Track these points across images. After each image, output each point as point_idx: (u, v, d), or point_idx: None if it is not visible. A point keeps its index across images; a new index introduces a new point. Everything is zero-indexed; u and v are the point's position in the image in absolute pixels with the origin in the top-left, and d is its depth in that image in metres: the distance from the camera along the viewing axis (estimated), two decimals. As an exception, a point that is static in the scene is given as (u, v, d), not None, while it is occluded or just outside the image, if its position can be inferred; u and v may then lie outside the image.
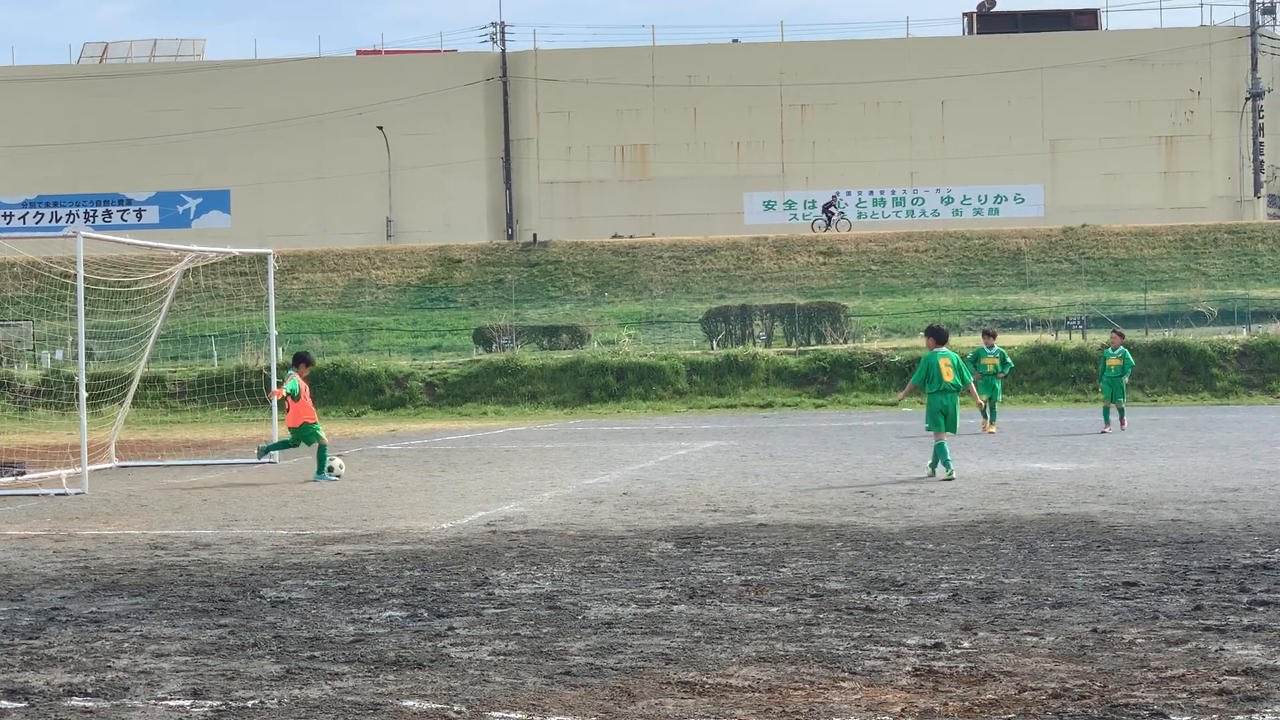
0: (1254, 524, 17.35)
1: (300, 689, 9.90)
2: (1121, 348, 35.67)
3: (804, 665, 10.39)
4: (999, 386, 36.38)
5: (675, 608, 12.74)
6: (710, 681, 9.93)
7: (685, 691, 9.68)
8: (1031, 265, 77.98)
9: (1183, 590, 13.06)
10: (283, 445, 27.98)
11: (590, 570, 14.90)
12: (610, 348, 58.52)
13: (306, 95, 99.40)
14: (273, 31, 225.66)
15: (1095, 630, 11.40)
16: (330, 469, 26.47)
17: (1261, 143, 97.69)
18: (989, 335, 37.56)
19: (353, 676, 10.27)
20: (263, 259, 33.87)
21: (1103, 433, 33.58)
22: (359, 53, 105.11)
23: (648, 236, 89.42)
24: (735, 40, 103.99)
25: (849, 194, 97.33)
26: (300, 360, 28.33)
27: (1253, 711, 8.93)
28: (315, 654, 11.05)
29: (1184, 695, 9.34)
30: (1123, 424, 34.87)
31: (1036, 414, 43.46)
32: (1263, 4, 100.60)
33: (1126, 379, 35.12)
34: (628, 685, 9.86)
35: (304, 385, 27.47)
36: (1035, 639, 11.15)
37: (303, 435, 27.23)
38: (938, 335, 24.87)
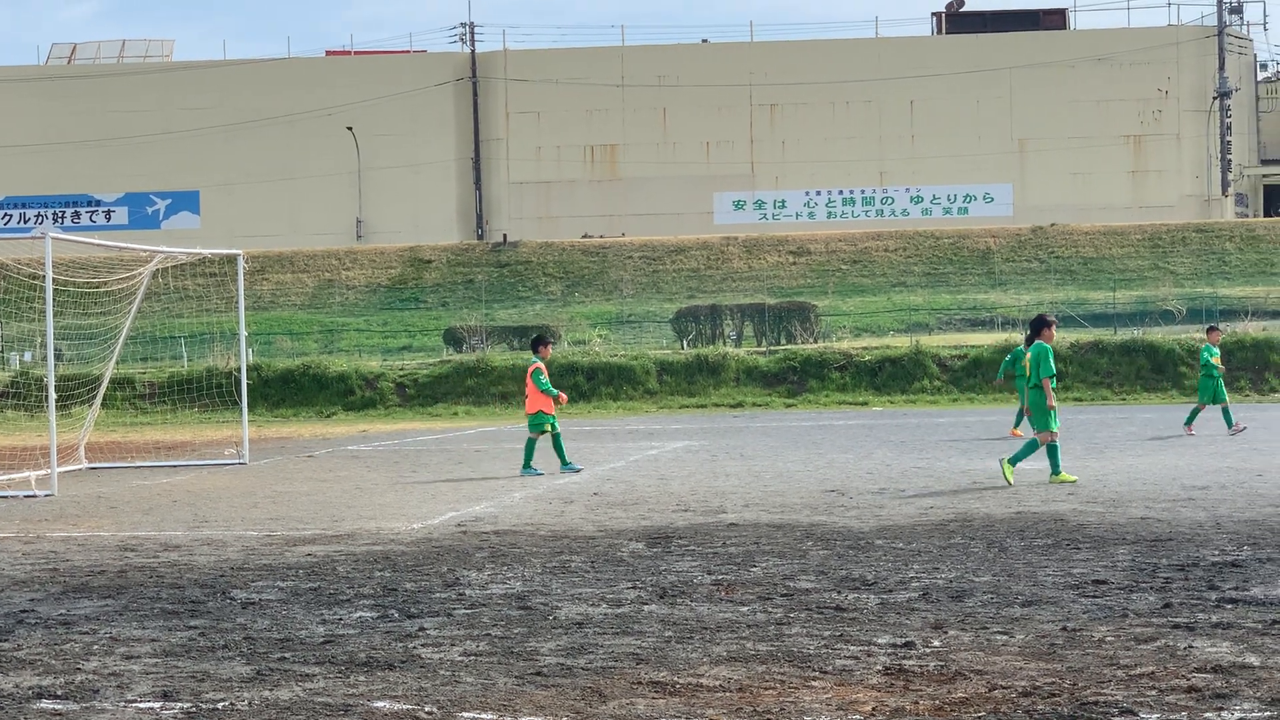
0: (1222, 522, 17.41)
1: (271, 690, 9.89)
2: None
3: (775, 665, 10.40)
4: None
5: (646, 608, 12.75)
6: (681, 681, 9.94)
7: (656, 691, 9.68)
8: (1001, 264, 78.15)
9: (1152, 588, 13.10)
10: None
11: (561, 570, 14.90)
12: (581, 348, 58.53)
13: (276, 96, 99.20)
14: (241, 32, 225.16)
15: (1065, 628, 11.43)
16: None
17: (1229, 142, 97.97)
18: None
19: (323, 678, 10.26)
20: (232, 260, 33.81)
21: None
22: (328, 53, 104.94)
23: (618, 236, 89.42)
24: (705, 40, 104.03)
25: (819, 194, 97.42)
26: (540, 343, 28.06)
27: (1221, 709, 8.96)
28: (286, 655, 11.04)
29: (1153, 693, 9.37)
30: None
31: (1004, 412, 43.56)
32: (1230, 3, 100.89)
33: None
34: (599, 685, 9.87)
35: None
36: (1005, 637, 11.18)
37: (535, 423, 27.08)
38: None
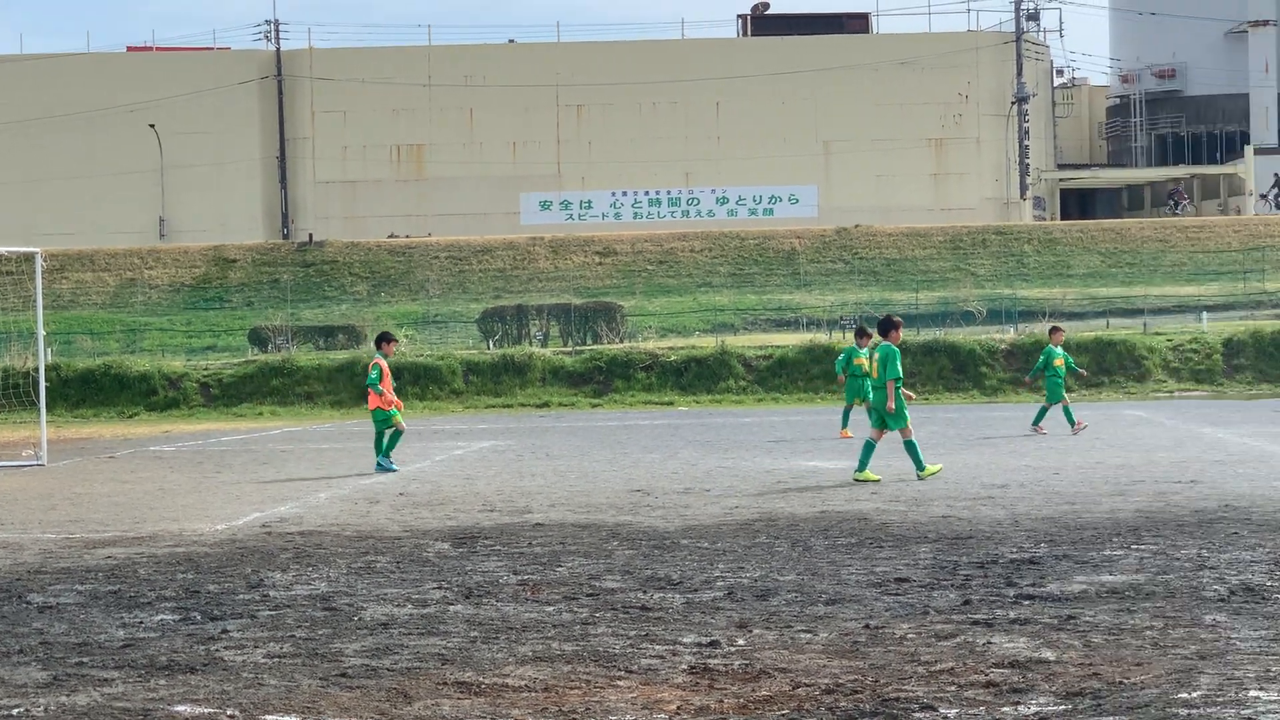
0: (1021, 520, 17.70)
1: (68, 696, 9.73)
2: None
3: (580, 664, 10.42)
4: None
5: (452, 608, 12.71)
6: (486, 681, 9.92)
7: (461, 692, 9.66)
8: (806, 265, 78.85)
9: (952, 585, 13.29)
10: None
11: (366, 571, 14.82)
12: (387, 348, 58.08)
13: (75, 92, 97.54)
14: (39, 27, 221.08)
15: (867, 626, 11.56)
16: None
17: (1027, 146, 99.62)
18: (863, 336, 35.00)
19: (123, 682, 10.11)
20: (30, 258, 33.22)
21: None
22: (130, 49, 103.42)
23: (424, 237, 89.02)
24: (511, 40, 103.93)
25: (625, 194, 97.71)
26: (383, 340, 27.92)
27: (1018, 703, 9.11)
28: (84, 660, 10.86)
29: (953, 688, 9.50)
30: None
31: (811, 412, 43.95)
32: (1027, 11, 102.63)
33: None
34: (404, 686, 9.82)
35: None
36: (809, 635, 11.28)
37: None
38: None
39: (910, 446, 23.20)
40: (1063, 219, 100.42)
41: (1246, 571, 13.67)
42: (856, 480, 22.71)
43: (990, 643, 10.82)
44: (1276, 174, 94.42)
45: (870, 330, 35.11)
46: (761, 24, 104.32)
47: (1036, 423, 33.03)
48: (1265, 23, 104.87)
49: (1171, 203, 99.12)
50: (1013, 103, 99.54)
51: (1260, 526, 16.59)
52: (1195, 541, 15.58)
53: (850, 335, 57.77)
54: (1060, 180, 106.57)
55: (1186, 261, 77.73)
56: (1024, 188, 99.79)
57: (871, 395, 24.00)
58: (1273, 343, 50.89)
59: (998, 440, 30.95)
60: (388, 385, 27.01)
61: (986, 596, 12.70)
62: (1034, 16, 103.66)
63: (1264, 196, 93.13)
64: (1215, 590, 12.77)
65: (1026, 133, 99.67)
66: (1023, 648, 10.63)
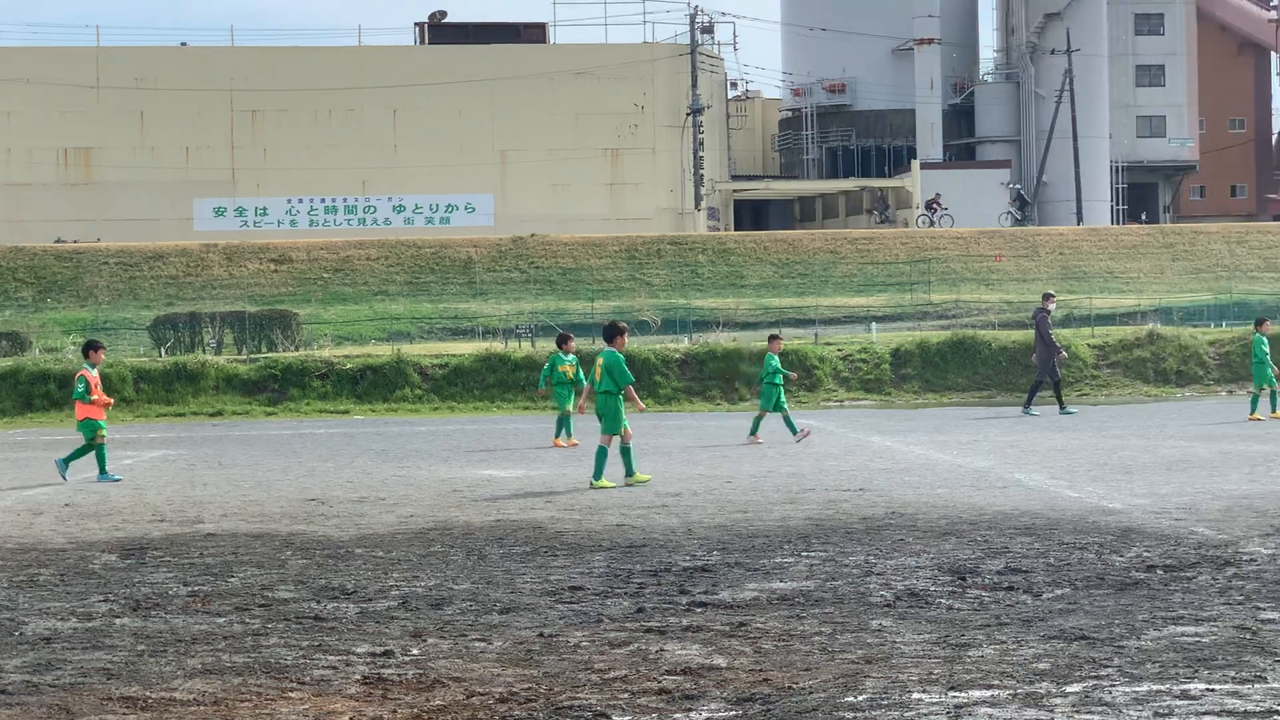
0: (694, 528, 17.88)
1: None
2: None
3: (251, 676, 10.26)
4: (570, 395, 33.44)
5: (118, 621, 12.42)
6: (153, 696, 9.71)
7: (127, 707, 9.44)
8: (482, 274, 78.84)
9: (626, 593, 13.37)
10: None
11: (29, 584, 14.41)
12: (53, 355, 56.74)
13: None
14: None
15: (542, 634, 11.58)
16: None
17: (701, 157, 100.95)
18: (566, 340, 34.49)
19: None
20: None
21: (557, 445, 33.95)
22: None
23: (93, 242, 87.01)
24: (184, 44, 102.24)
25: (301, 201, 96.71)
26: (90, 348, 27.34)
27: (690, 709, 9.19)
28: None
29: (626, 695, 9.55)
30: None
31: (487, 421, 43.96)
32: (702, 24, 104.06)
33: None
34: (67, 703, 9.57)
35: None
36: (484, 644, 11.26)
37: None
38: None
39: (602, 454, 23.50)
40: (736, 230, 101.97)
41: (912, 577, 13.98)
42: (629, 484, 23.13)
43: (663, 650, 10.91)
44: (927, 200, 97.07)
45: (572, 336, 35.29)
46: (439, 33, 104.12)
47: (753, 433, 32.92)
48: (930, 41, 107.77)
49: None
50: (688, 114, 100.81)
51: (925, 533, 16.99)
52: (863, 548, 15.90)
53: (535, 344, 58.00)
54: (734, 191, 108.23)
55: (856, 273, 79.45)
56: (699, 198, 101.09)
57: (599, 401, 24.06)
58: (938, 353, 52.27)
59: (672, 449, 31.24)
60: (99, 393, 26.57)
61: (660, 604, 12.80)
62: (709, 30, 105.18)
63: (926, 212, 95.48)
64: (882, 596, 13.04)
65: (701, 144, 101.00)
66: (695, 654, 10.74)
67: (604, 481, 23.19)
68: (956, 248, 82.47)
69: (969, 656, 10.50)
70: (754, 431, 32.85)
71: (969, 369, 51.91)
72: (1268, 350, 37.72)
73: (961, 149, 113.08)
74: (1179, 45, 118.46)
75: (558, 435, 32.87)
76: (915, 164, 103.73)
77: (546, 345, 55.63)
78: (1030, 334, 47.22)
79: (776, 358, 33.57)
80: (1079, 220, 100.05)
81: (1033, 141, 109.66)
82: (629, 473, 23.57)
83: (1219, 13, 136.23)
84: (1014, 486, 21.89)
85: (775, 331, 40.23)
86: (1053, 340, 40.87)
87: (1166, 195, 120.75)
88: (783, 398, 33.25)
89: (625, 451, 23.69)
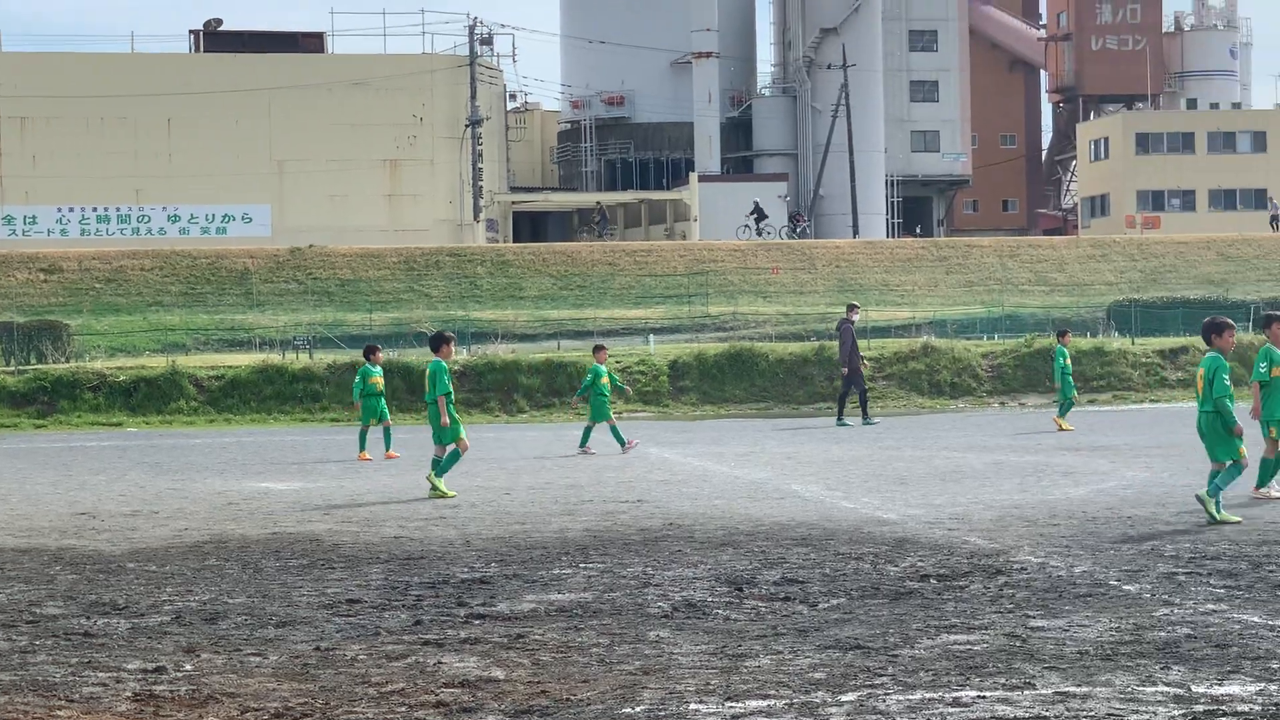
0: (472, 539, 17.83)
1: None
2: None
3: (18, 695, 10.04)
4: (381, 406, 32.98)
5: (-121, 640, 12.10)
6: (-84, 717, 9.47)
7: (-112, 729, 9.20)
8: (259, 285, 78.00)
9: (404, 606, 13.30)
10: None
11: None
12: None
13: None
14: None
15: (318, 648, 11.47)
16: None
17: (480, 169, 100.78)
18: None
19: None
20: None
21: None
22: None
23: None
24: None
25: (72, 210, 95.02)
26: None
27: (469, 722, 9.16)
28: None
29: (403, 709, 9.50)
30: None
31: (264, 433, 43.48)
32: (481, 35, 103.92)
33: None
34: None
35: None
36: (259, 659, 11.12)
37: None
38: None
39: (440, 463, 23.56)
40: (515, 241, 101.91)
41: (689, 588, 14.05)
42: (432, 495, 23.07)
43: (441, 662, 10.86)
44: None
45: (379, 347, 35.10)
46: (215, 41, 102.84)
47: (583, 444, 32.88)
48: (708, 55, 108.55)
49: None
50: (466, 125, 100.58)
51: (703, 544, 17.09)
52: (641, 559, 15.95)
53: (313, 356, 57.41)
54: (513, 203, 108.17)
55: (634, 285, 79.80)
56: (478, 210, 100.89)
57: (430, 411, 24.16)
58: (715, 365, 52.60)
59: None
60: None
61: (437, 617, 12.75)
62: (487, 41, 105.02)
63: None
64: (659, 607, 13.10)
65: (480, 155, 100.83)
66: (473, 667, 10.70)
67: (442, 487, 23.24)
68: (734, 260, 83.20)
69: (746, 667, 10.58)
70: (584, 442, 32.88)
71: (746, 381, 52.31)
72: (1067, 362, 38.57)
73: (739, 162, 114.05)
74: (952, 62, 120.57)
75: (362, 449, 32.37)
76: (693, 177, 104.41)
77: (324, 357, 55.21)
78: (816, 344, 47.70)
79: (604, 368, 33.73)
80: (855, 233, 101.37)
81: (809, 155, 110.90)
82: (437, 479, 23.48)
83: (990, 31, 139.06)
84: (790, 498, 22.11)
85: (600, 343, 40.83)
86: (856, 350, 41.42)
87: (940, 209, 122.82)
88: (607, 408, 33.33)
89: (435, 462, 23.67)
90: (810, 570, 14.94)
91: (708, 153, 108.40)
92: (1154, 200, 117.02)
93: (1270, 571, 14.26)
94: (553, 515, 20.31)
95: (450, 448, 23.81)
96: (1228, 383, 18.35)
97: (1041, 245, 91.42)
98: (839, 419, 41.06)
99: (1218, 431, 18.39)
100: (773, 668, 10.53)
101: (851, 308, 42.81)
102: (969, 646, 11.13)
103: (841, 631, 11.81)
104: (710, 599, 13.44)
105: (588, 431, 33.24)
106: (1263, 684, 9.76)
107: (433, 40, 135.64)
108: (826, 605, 13.02)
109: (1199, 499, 18.21)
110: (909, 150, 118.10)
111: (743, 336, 62.74)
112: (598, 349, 35.42)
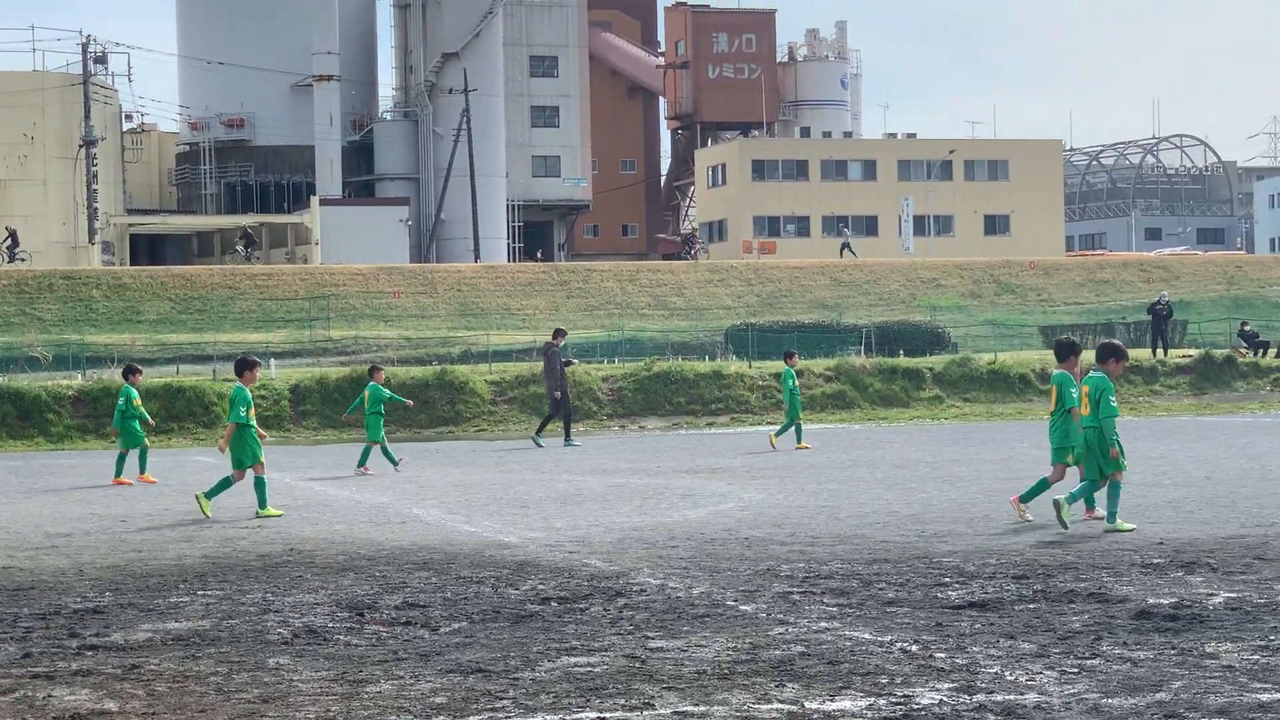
0: (85, 569, 17.39)
1: None
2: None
3: None
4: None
5: None
6: None
7: None
8: None
9: (12, 638, 12.90)
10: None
11: None
12: None
13: None
14: None
15: (-79, 684, 11.06)
16: None
17: (95, 190, 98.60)
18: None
19: None
20: None
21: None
22: None
23: None
24: None
25: None
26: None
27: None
28: None
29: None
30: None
31: None
32: (95, 53, 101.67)
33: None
34: None
35: None
36: None
37: None
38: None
39: (260, 483, 23.60)
40: (133, 264, 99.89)
41: (310, 614, 13.91)
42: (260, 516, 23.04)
43: (51, 695, 10.56)
44: (247, 228, 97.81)
45: (139, 369, 34.47)
46: None
47: (361, 464, 32.64)
48: (329, 78, 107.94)
49: (244, 249, 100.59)
50: (80, 146, 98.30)
51: (323, 569, 16.93)
52: (260, 586, 15.74)
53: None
54: (130, 225, 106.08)
55: (256, 309, 78.86)
56: (93, 232, 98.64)
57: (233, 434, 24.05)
58: (337, 389, 52.17)
59: (63, 488, 30.34)
60: None
61: (48, 649, 12.40)
62: (102, 59, 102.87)
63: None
64: (280, 634, 12.93)
65: (95, 177, 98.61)
66: (85, 699, 10.43)
67: (270, 510, 23.30)
68: (356, 284, 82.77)
69: (367, 693, 10.51)
70: (362, 463, 32.77)
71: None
72: (795, 383, 39.29)
73: (362, 186, 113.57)
74: (572, 88, 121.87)
75: (118, 474, 31.34)
76: (315, 200, 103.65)
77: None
78: (439, 368, 47.56)
79: (383, 388, 33.60)
80: (477, 257, 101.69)
81: (431, 179, 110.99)
82: (261, 505, 23.47)
83: (610, 57, 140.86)
84: (413, 521, 22.05)
85: (376, 363, 41.38)
86: (558, 374, 41.45)
87: (562, 234, 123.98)
88: (381, 428, 33.20)
89: (259, 482, 23.68)
90: (432, 594, 14.91)
91: (329, 176, 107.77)
92: (770, 226, 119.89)
93: (880, 589, 14.66)
94: (170, 542, 19.93)
95: (248, 471, 23.75)
96: (1114, 403, 19.00)
97: (661, 270, 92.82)
98: (566, 440, 41.33)
99: (1103, 448, 18.92)
100: (394, 693, 10.48)
101: (557, 332, 43.08)
102: (589, 668, 11.21)
103: (463, 655, 11.81)
104: (331, 624, 13.32)
105: (366, 451, 33.08)
106: (872, 698, 10.02)
107: (44, 58, 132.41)
108: (448, 629, 13.00)
109: (1055, 503, 18.71)
110: (530, 175, 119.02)
111: (365, 360, 62.41)
112: (374, 369, 34.99)
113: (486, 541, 19.32)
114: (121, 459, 31.67)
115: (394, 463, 32.61)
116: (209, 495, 23.62)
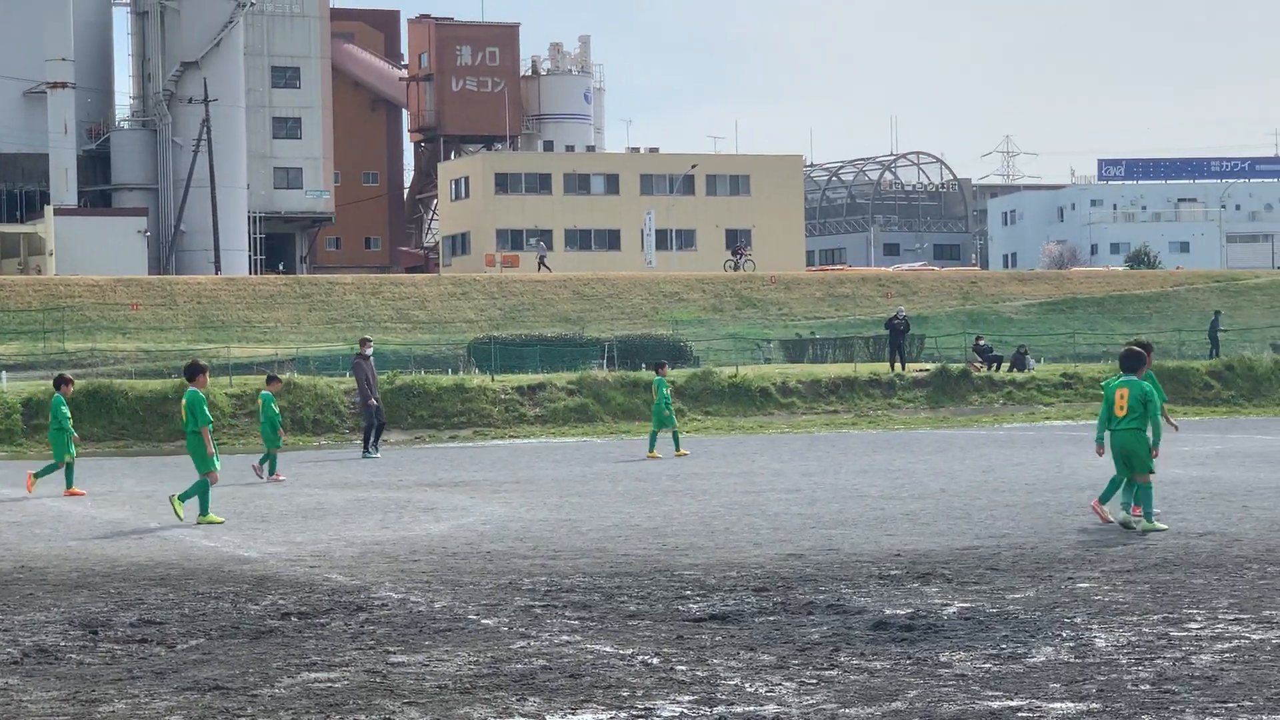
0: None
1: None
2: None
3: None
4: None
5: None
6: None
7: None
8: None
9: None
10: None
11: None
12: None
13: None
14: None
15: None
16: None
17: None
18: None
19: None
20: None
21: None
22: None
23: None
24: None
25: None
26: None
27: None
28: None
29: None
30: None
31: None
32: None
33: None
34: None
35: None
36: None
37: None
38: None
39: (202, 487, 23.55)
40: None
41: (41, 633, 13.60)
42: (201, 522, 22.98)
43: None
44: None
45: (70, 377, 34.44)
46: None
47: (272, 472, 33.06)
48: (63, 85, 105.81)
49: (734, 259, 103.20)
50: None
51: (56, 587, 16.57)
52: (-11, 604, 15.36)
53: None
54: None
55: (-14, 320, 76.97)
56: None
57: (189, 441, 24.10)
58: (73, 402, 51.05)
59: None
60: None
61: None
62: None
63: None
64: (9, 653, 12.63)
65: None
66: None
67: (212, 516, 23.32)
68: (92, 295, 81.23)
69: (99, 713, 10.30)
70: (273, 470, 33.09)
71: (105, 418, 50.96)
72: (668, 392, 39.52)
73: (99, 195, 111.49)
74: (315, 99, 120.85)
75: (70, 485, 30.51)
76: (49, 210, 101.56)
77: None
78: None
79: (272, 397, 34.73)
80: (217, 269, 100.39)
81: (170, 190, 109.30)
82: (203, 511, 23.34)
83: (353, 69, 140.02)
84: (149, 537, 21.68)
85: (274, 373, 42.74)
86: (370, 384, 40.96)
87: (304, 246, 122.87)
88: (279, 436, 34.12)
89: (202, 490, 23.64)
90: (169, 610, 14.67)
91: (64, 185, 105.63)
92: (513, 239, 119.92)
93: (622, 602, 14.72)
94: (-105, 561, 19.36)
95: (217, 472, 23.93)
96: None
97: (403, 282, 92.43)
98: (364, 452, 41.05)
99: (1142, 449, 19.58)
100: (128, 712, 10.28)
101: (364, 342, 42.64)
102: (330, 684, 11.11)
103: (200, 672, 11.62)
104: (63, 643, 13.04)
105: (274, 460, 33.61)
106: (614, 711, 10.06)
107: None
108: (185, 646, 12.80)
109: (1123, 522, 19.41)
110: (272, 186, 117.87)
111: (101, 373, 61.24)
112: (271, 379, 35.95)
113: (226, 556, 19.06)
114: (69, 469, 31.04)
115: (273, 471, 33.03)
116: (202, 512, 23.41)
